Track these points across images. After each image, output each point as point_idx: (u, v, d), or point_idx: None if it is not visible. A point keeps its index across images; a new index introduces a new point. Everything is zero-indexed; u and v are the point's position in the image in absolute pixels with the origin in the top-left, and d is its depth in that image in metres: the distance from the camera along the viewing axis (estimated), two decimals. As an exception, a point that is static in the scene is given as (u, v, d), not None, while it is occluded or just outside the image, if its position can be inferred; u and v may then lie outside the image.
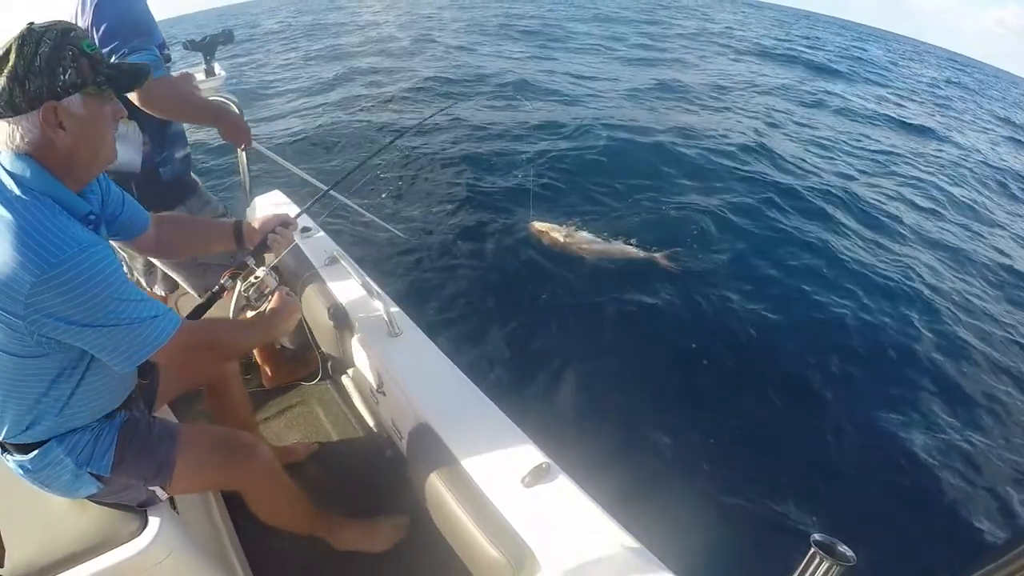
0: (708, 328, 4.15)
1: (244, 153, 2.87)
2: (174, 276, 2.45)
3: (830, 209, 6.58)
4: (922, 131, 12.30)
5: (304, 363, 2.81)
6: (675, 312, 4.30)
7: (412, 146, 7.09)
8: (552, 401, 3.16)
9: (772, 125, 9.81)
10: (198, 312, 1.77)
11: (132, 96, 2.05)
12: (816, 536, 0.70)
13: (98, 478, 1.47)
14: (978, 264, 6.33)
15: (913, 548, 2.80)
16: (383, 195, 5.88)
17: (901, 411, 3.78)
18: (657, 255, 4.81)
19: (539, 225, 5.02)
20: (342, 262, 2.38)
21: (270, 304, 1.70)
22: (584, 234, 4.93)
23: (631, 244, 4.94)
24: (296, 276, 2.47)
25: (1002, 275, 6.26)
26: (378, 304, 2.09)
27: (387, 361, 1.98)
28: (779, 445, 3.25)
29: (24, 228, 1.16)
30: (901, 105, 15.06)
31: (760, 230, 5.79)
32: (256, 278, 1.77)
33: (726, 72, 14.48)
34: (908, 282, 5.38)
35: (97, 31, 2.02)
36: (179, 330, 1.33)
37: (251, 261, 1.82)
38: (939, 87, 21.71)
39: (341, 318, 2.17)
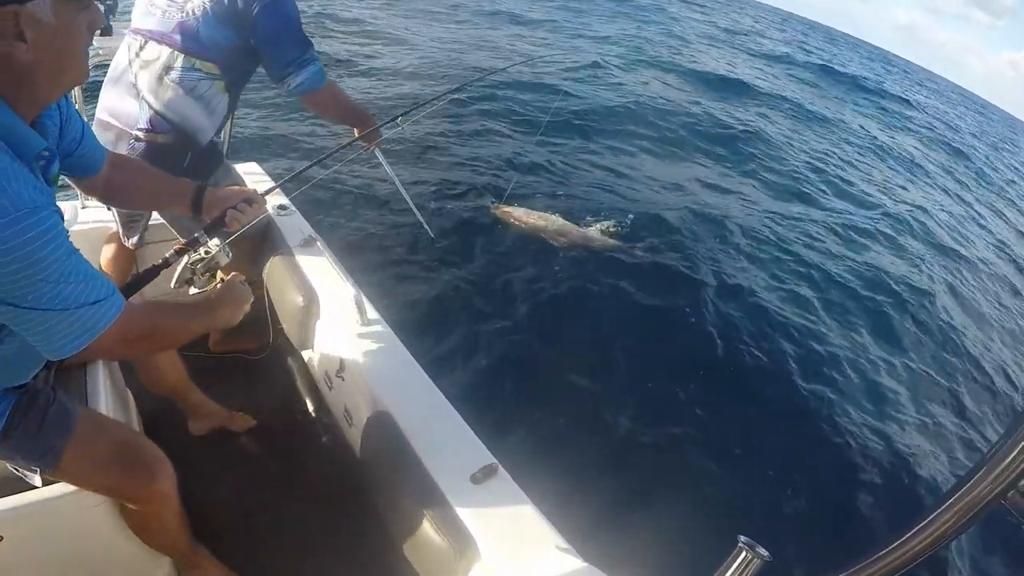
0: (653, 332, 4.46)
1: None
2: (170, 225, 2.42)
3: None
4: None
5: (255, 336, 2.76)
6: (625, 316, 4.56)
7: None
8: (500, 409, 3.31)
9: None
10: (133, 287, 1.58)
11: (295, 94, 2.24)
12: (742, 536, 0.80)
13: None
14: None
15: (815, 548, 3.11)
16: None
17: (822, 418, 4.20)
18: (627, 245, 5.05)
19: (504, 208, 5.10)
20: (318, 244, 2.43)
21: (217, 285, 1.56)
22: (554, 217, 5.06)
23: (602, 231, 5.15)
24: (268, 251, 2.49)
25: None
26: (348, 291, 2.15)
27: (353, 347, 2.03)
28: (710, 452, 3.53)
29: None
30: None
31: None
32: (207, 252, 1.64)
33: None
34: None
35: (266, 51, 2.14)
36: (121, 316, 1.16)
37: (203, 236, 1.68)
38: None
39: (309, 298, 2.22)
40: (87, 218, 2.65)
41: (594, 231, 5.15)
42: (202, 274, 1.64)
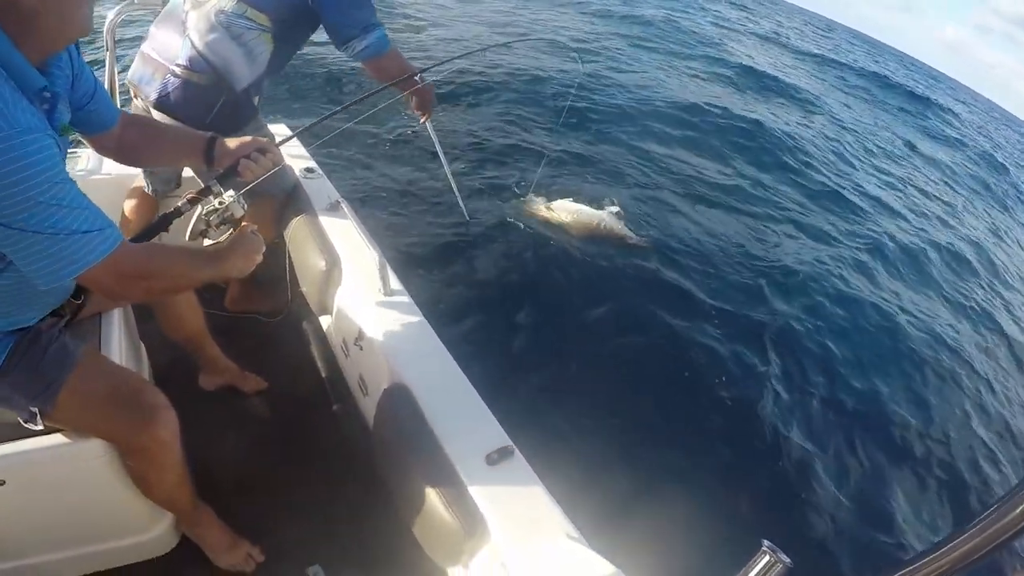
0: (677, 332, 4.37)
1: None
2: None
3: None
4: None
5: (273, 298, 2.77)
6: (657, 313, 4.48)
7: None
8: (520, 392, 3.29)
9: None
10: (144, 236, 1.59)
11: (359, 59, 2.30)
12: (766, 541, 0.78)
13: None
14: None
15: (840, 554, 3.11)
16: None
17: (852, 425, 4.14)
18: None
19: (535, 200, 5.01)
20: (344, 209, 2.38)
21: (229, 236, 1.55)
22: (585, 209, 4.96)
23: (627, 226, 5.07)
24: (292, 213, 2.46)
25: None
26: (373, 258, 2.10)
27: (373, 316, 1.99)
28: (734, 454, 3.51)
29: None
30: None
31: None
32: (221, 203, 1.60)
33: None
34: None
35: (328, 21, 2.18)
36: (115, 252, 1.16)
37: (216, 186, 1.66)
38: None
39: (332, 263, 2.18)
40: (110, 168, 2.63)
41: (621, 226, 5.06)
42: (216, 226, 1.61)
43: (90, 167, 2.61)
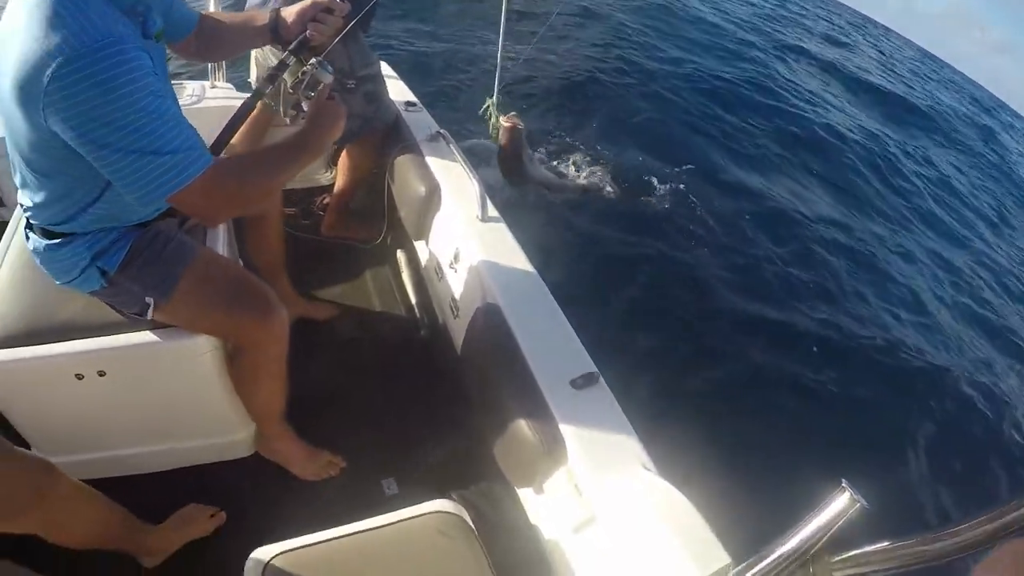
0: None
1: None
2: None
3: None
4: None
5: (368, 225, 2.84)
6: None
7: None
8: (610, 323, 3.38)
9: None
10: (228, 132, 1.54)
11: None
12: (845, 480, 0.76)
13: (103, 274, 1.41)
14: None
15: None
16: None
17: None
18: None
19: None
20: (443, 140, 2.42)
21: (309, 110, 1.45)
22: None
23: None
24: (393, 144, 2.51)
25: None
26: (473, 187, 2.14)
27: (470, 239, 2.03)
28: (814, 397, 3.65)
29: (57, 5, 1.00)
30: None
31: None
32: (304, 72, 1.49)
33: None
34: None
35: None
36: (207, 172, 1.12)
37: (290, 58, 1.57)
38: None
39: (432, 189, 2.22)
40: (215, 95, 2.70)
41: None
42: (307, 97, 1.50)
43: (196, 94, 2.66)
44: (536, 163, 4.27)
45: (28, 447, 1.71)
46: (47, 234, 1.37)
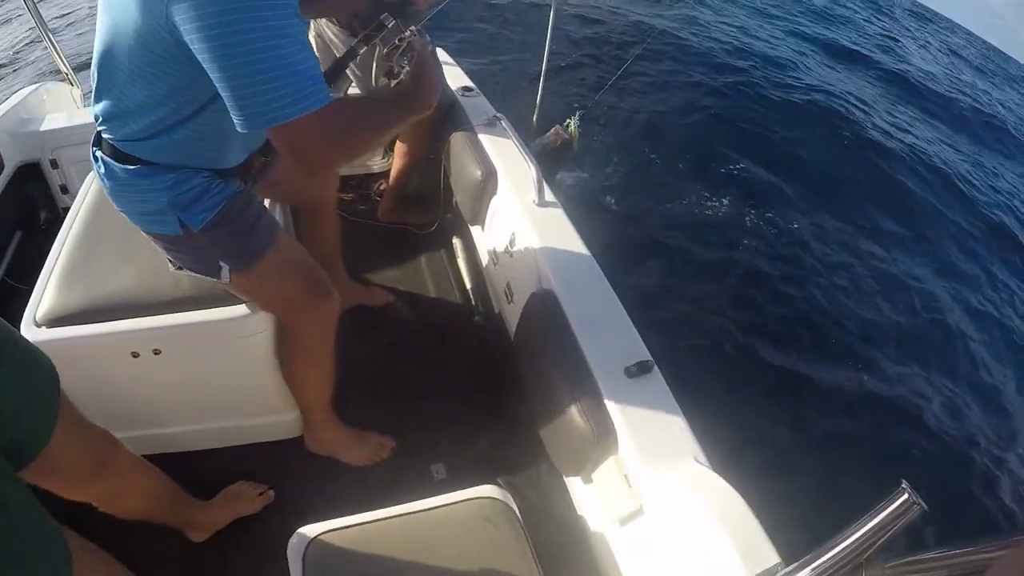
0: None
1: None
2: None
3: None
4: None
5: (424, 211, 2.86)
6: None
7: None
8: (668, 313, 3.37)
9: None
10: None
11: None
12: (905, 480, 0.73)
13: (183, 226, 1.33)
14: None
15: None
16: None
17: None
18: None
19: None
20: (502, 124, 2.40)
21: (407, 71, 1.35)
22: None
23: None
24: (450, 129, 2.51)
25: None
26: (530, 172, 2.10)
27: (526, 223, 2.01)
28: (879, 401, 3.61)
29: None
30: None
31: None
32: (401, 39, 1.38)
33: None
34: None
35: None
36: (323, 109, 1.02)
37: (388, 19, 1.47)
38: None
39: (489, 174, 2.21)
40: None
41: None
42: (400, 66, 1.40)
43: None
44: None
45: None
46: (120, 156, 1.27)
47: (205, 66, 0.99)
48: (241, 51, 0.95)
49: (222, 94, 1.01)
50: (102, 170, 1.32)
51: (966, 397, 3.90)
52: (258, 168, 1.52)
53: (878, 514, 0.74)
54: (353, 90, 2.51)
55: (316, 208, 2.09)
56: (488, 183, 2.22)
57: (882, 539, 0.73)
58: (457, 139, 2.41)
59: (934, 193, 7.15)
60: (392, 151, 2.85)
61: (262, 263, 1.47)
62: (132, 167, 1.27)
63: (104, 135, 1.28)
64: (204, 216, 1.34)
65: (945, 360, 4.17)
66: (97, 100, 1.24)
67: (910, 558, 0.74)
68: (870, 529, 0.74)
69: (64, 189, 2.68)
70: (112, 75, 1.17)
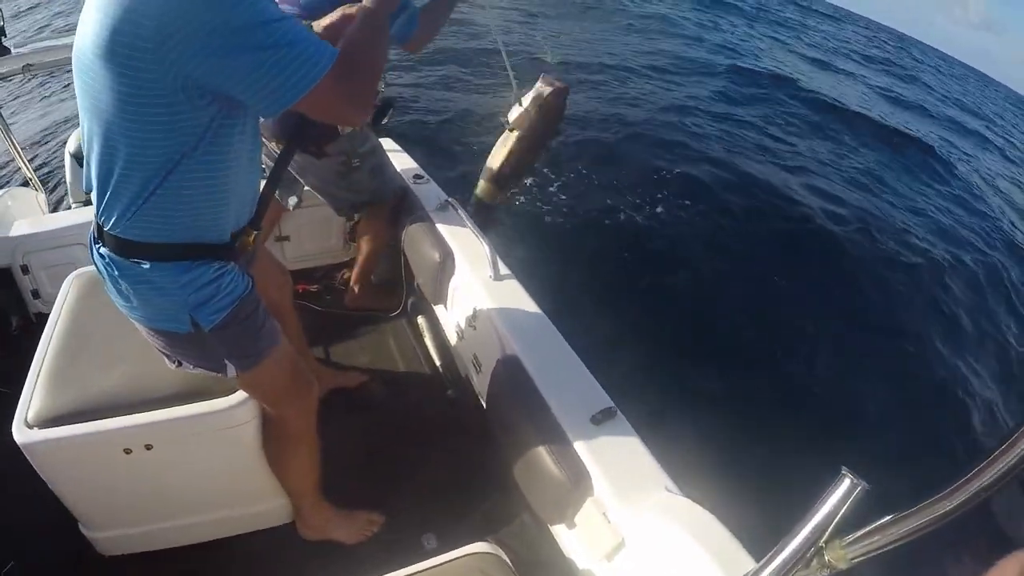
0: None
1: None
2: (320, 194, 2.57)
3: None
4: None
5: (389, 295, 2.99)
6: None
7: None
8: (621, 358, 3.60)
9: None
10: None
11: None
12: (844, 467, 0.80)
13: (194, 325, 1.34)
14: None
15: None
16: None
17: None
18: None
19: None
20: (452, 208, 2.59)
21: None
22: None
23: None
24: (405, 217, 2.67)
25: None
26: (484, 250, 2.28)
27: (485, 298, 2.16)
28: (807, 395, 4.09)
29: None
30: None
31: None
32: None
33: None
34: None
35: None
36: (336, 62, 1.10)
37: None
38: None
39: (446, 255, 2.37)
40: None
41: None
42: None
43: None
44: None
45: (76, 522, 1.81)
46: (126, 248, 1.27)
47: (227, 83, 1.06)
48: (247, 43, 1.02)
49: (245, 95, 1.08)
50: (110, 268, 1.31)
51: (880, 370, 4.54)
52: (252, 245, 1.51)
53: (826, 501, 0.82)
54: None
55: (274, 311, 2.14)
56: (446, 264, 2.37)
57: (833, 523, 0.81)
58: (414, 227, 2.57)
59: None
60: (354, 242, 3.01)
61: (263, 364, 1.53)
62: (142, 263, 1.27)
63: (106, 229, 1.26)
64: (216, 317, 1.36)
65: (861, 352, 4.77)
66: (91, 186, 1.25)
67: (864, 530, 0.81)
68: (821, 516, 0.82)
69: (36, 294, 2.67)
70: (107, 155, 1.17)
